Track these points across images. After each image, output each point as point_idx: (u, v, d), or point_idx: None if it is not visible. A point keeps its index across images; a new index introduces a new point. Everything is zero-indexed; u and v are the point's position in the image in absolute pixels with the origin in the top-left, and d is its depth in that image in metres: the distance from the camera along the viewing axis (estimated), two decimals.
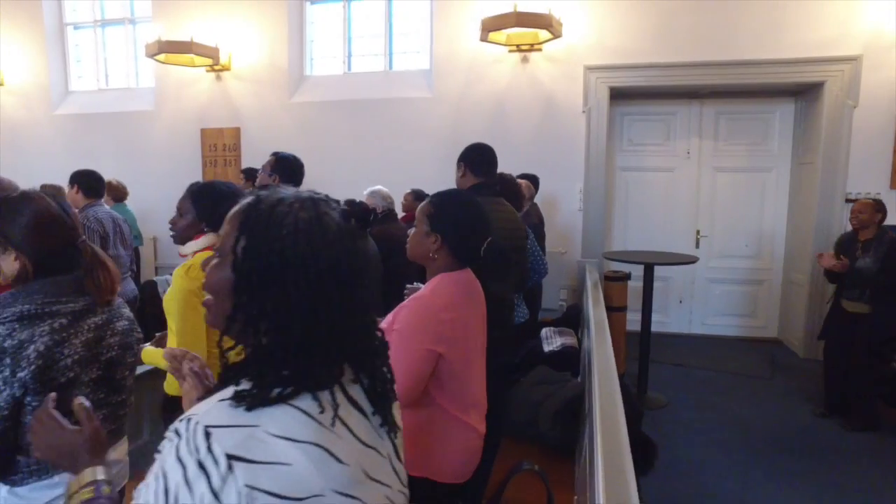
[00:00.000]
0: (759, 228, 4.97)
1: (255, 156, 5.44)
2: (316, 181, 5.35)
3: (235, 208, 0.70)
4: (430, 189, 4.73)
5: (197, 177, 5.79)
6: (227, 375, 0.67)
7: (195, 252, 1.75)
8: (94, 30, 6.20)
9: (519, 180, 3.81)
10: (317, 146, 5.36)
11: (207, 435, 0.57)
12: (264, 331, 0.64)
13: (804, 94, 4.56)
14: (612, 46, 4.61)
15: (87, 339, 1.19)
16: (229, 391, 0.62)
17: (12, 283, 1.16)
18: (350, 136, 5.26)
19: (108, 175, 5.07)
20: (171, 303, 1.75)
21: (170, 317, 1.79)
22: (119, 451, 1.37)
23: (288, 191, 0.70)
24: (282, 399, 0.62)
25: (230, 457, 0.56)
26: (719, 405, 3.68)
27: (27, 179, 4.03)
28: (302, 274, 0.64)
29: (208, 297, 0.71)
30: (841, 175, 4.19)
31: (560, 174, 4.78)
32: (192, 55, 5.20)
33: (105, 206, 3.02)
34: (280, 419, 0.61)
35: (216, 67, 5.43)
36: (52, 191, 3.90)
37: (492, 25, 4.09)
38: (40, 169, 5.94)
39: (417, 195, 4.34)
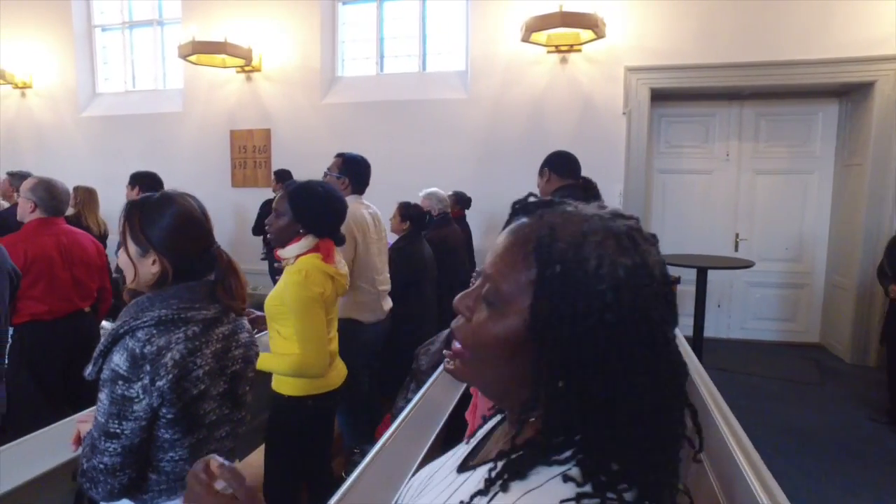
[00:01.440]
0: (799, 231, 4.88)
1: (285, 157, 5.39)
2: None
3: (512, 239, 0.54)
4: (468, 191, 4.68)
5: (226, 179, 5.75)
6: (517, 461, 0.51)
7: (297, 256, 1.70)
8: (121, 32, 6.18)
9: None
10: (349, 148, 5.20)
11: None
12: (585, 406, 0.49)
13: (850, 94, 4.49)
14: (653, 47, 4.54)
15: (216, 349, 1.13)
16: (559, 488, 0.47)
17: (150, 287, 1.10)
18: (383, 137, 5.20)
19: None
20: (279, 307, 1.70)
21: (275, 321, 1.73)
22: None
23: (584, 211, 0.53)
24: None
25: None
26: (773, 411, 3.59)
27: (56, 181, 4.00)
28: (626, 339, 0.48)
29: (461, 350, 0.55)
30: (891, 176, 4.10)
31: (599, 177, 4.60)
32: (223, 56, 5.17)
33: None
34: None
35: (246, 68, 5.40)
36: (85, 193, 3.85)
37: (536, 26, 4.03)
38: (68, 171, 5.89)
39: (459, 197, 4.29)
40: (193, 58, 5.08)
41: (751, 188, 4.93)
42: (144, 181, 2.90)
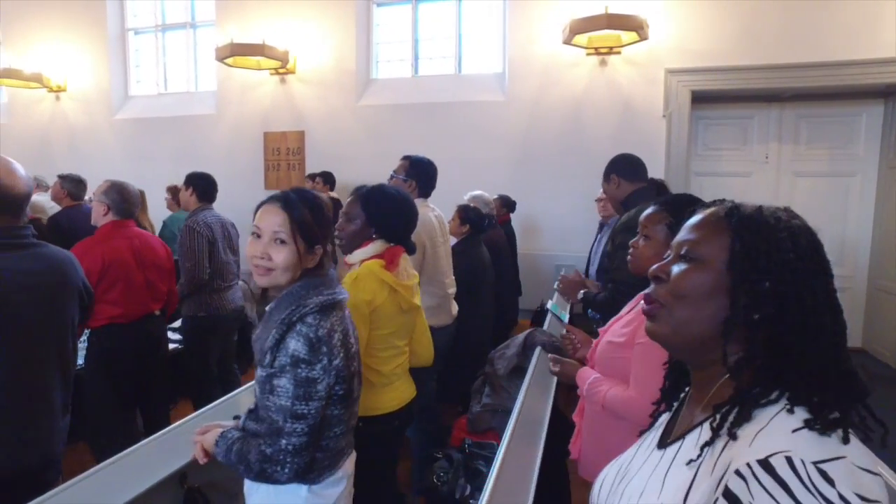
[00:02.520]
0: (841, 234, 4.82)
1: (319, 159, 5.40)
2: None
3: (702, 216, 0.68)
4: (505, 194, 4.64)
5: (258, 181, 5.77)
6: (747, 395, 0.59)
7: (362, 261, 1.65)
8: (154, 34, 6.21)
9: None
10: (384, 150, 5.30)
11: (823, 474, 0.49)
12: (777, 339, 0.60)
13: None
14: (694, 49, 4.51)
15: (348, 330, 1.22)
16: (786, 421, 0.55)
17: (287, 280, 1.16)
18: (419, 139, 5.19)
19: (168, 180, 5.07)
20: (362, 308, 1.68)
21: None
22: (351, 462, 1.30)
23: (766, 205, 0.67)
24: (843, 423, 0.55)
25: (863, 499, 0.48)
26: None
27: (88, 184, 4.01)
28: (806, 273, 0.61)
29: (658, 306, 0.67)
30: None
31: None
32: (258, 58, 5.20)
33: (214, 211, 2.96)
34: (857, 448, 0.54)
35: (280, 70, 5.41)
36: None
37: (580, 28, 4.01)
38: (101, 173, 5.88)
39: (505, 201, 4.28)
40: (230, 60, 5.09)
41: (790, 191, 4.88)
42: (199, 182, 2.90)
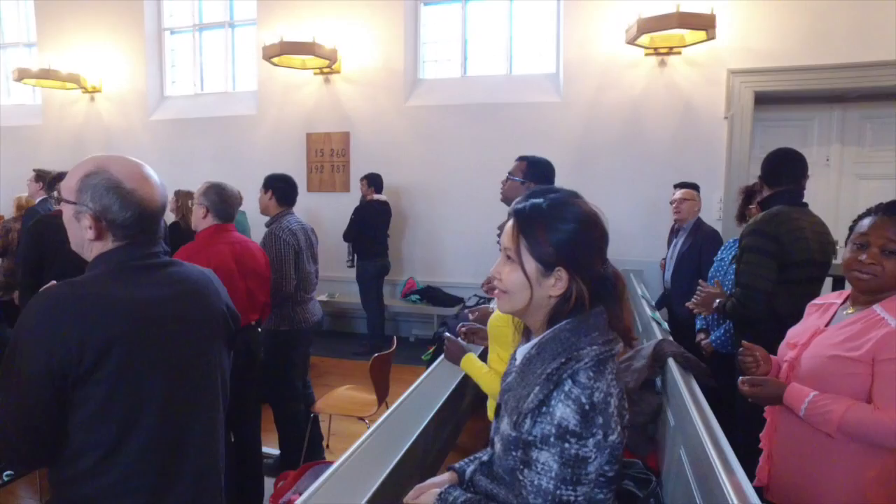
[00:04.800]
0: None
1: (365, 161, 5.30)
2: (435, 187, 5.20)
3: None
4: None
5: (301, 183, 5.59)
6: None
7: None
8: (192, 34, 6.11)
9: (689, 190, 3.63)
10: (433, 152, 5.21)
11: None
12: None
13: None
14: (757, 49, 4.40)
15: (622, 392, 0.93)
16: None
17: (554, 315, 0.93)
18: (469, 141, 5.09)
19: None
20: (505, 330, 1.56)
21: (498, 343, 1.61)
22: None
23: None
24: None
25: None
26: None
27: None
28: None
29: None
30: None
31: (698, 183, 4.57)
32: (303, 58, 5.09)
33: (296, 215, 2.82)
34: None
35: (325, 70, 5.30)
36: (186, 197, 3.71)
37: (650, 26, 3.90)
38: None
39: None
40: (276, 59, 4.99)
41: (853, 194, 4.77)
42: (279, 185, 2.76)
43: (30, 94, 6.74)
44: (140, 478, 1.01)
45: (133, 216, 1.03)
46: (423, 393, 1.88)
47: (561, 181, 4.79)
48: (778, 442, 1.42)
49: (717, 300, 2.15)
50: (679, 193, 3.51)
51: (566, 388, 0.85)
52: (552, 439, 0.84)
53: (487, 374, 1.59)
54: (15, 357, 0.93)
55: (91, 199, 1.02)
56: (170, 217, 4.23)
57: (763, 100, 4.62)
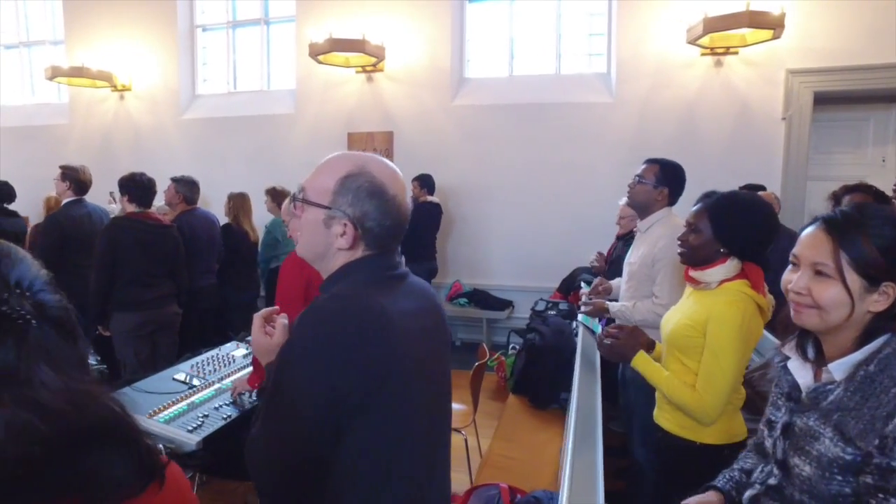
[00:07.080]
0: None
1: (411, 161, 5.18)
2: (481, 188, 5.10)
3: None
4: (613, 200, 4.49)
5: None
6: None
7: (722, 282, 1.48)
8: (226, 31, 5.98)
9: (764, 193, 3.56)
10: (480, 152, 5.12)
11: None
12: None
13: None
14: (817, 48, 4.34)
15: None
16: None
17: (872, 331, 0.88)
18: (517, 141, 5.00)
19: (243, 182, 4.72)
20: (695, 339, 1.50)
21: (684, 352, 1.54)
22: None
23: None
24: None
25: None
26: None
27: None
28: None
29: None
30: None
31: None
32: (347, 55, 4.99)
33: None
34: None
35: (368, 68, 5.20)
36: (238, 199, 3.59)
37: (717, 26, 3.83)
38: (167, 173, 5.64)
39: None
40: (322, 57, 4.88)
41: None
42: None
43: (55, 93, 6.58)
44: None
45: (392, 225, 0.93)
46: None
47: (610, 182, 4.75)
48: None
49: None
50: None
51: None
52: None
53: (669, 378, 1.52)
54: (290, 381, 0.83)
55: (351, 203, 0.90)
56: (223, 218, 4.11)
57: (819, 100, 4.57)
